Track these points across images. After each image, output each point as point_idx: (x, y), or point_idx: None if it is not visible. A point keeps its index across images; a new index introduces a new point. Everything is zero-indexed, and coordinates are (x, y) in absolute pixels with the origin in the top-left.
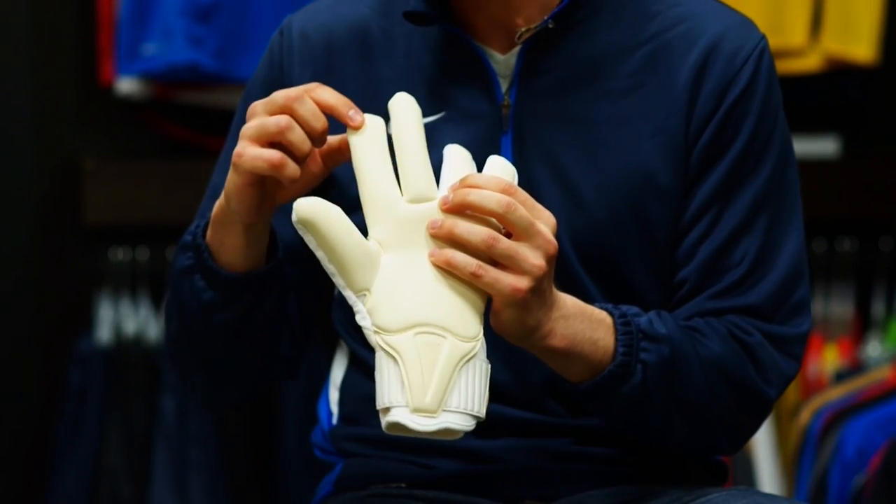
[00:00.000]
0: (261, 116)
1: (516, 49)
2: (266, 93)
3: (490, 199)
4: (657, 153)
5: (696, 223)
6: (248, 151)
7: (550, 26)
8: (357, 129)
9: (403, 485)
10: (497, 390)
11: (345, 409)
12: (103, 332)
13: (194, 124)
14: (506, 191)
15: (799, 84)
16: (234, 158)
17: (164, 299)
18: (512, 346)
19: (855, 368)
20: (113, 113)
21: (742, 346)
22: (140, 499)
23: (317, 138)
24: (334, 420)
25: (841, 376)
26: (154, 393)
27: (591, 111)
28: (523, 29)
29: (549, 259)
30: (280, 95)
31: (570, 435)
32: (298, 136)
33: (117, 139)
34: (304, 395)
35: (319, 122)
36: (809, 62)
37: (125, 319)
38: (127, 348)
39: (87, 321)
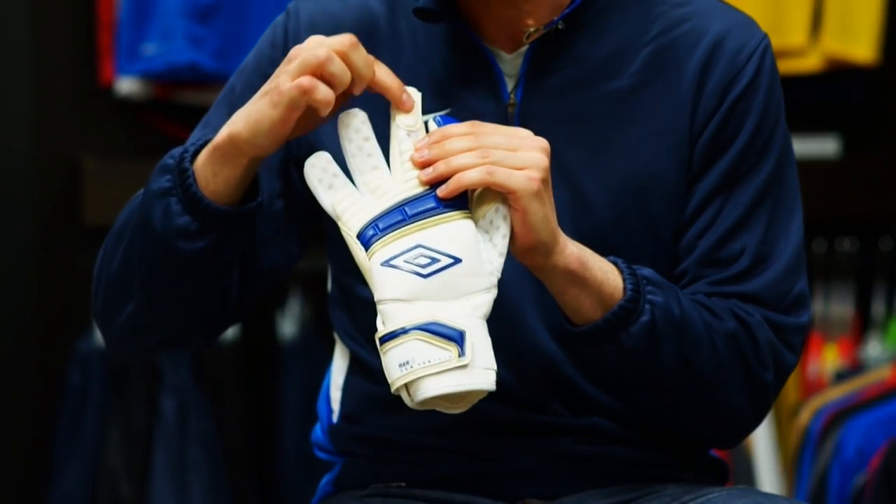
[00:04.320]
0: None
1: (523, 49)
2: (264, 69)
3: (459, 143)
4: (663, 152)
5: (696, 217)
6: (284, 84)
7: (560, 27)
8: (406, 111)
9: (403, 484)
10: (498, 390)
11: (345, 408)
12: None
13: (194, 124)
14: (470, 134)
15: (799, 84)
16: (272, 95)
17: None
18: (513, 346)
19: (855, 368)
20: (113, 113)
21: (742, 323)
22: (140, 499)
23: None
24: (334, 419)
25: (841, 376)
26: (154, 393)
27: (596, 111)
28: (531, 29)
29: (544, 150)
30: (334, 40)
31: (571, 434)
32: (339, 68)
33: (117, 139)
34: (304, 395)
35: (369, 70)
36: (809, 62)
37: None
38: None
39: (87, 321)
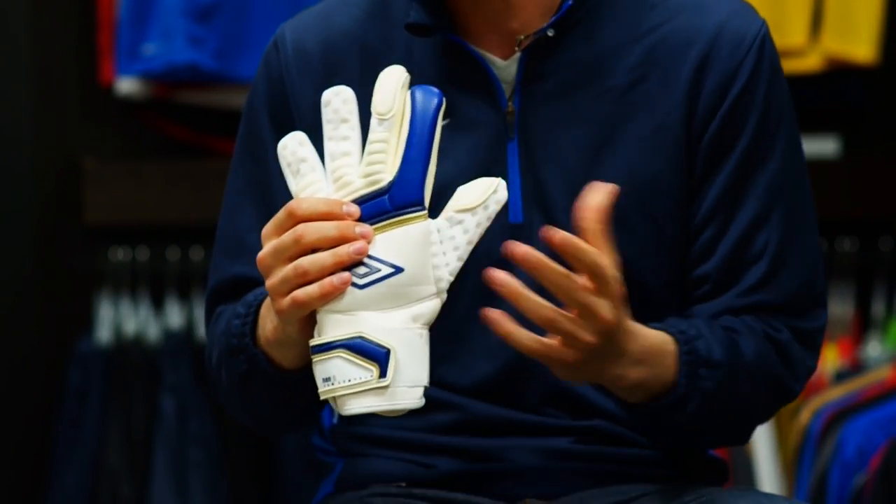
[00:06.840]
0: (276, 269)
1: (517, 55)
2: (269, 107)
3: (541, 309)
4: (661, 149)
5: (712, 218)
6: (285, 304)
7: (550, 34)
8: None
9: (404, 484)
10: (498, 393)
11: None
12: (103, 332)
13: (194, 124)
14: (560, 284)
15: (799, 84)
16: (278, 315)
17: (164, 300)
18: (513, 350)
19: (855, 368)
20: (113, 113)
21: (775, 345)
22: (140, 499)
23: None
24: (334, 419)
25: (841, 376)
26: (154, 393)
27: (594, 111)
28: (523, 36)
29: (604, 333)
30: (283, 243)
31: (571, 434)
32: (315, 237)
33: (117, 139)
34: None
35: (335, 231)
36: (809, 62)
37: (125, 319)
38: (127, 348)
39: (87, 321)
